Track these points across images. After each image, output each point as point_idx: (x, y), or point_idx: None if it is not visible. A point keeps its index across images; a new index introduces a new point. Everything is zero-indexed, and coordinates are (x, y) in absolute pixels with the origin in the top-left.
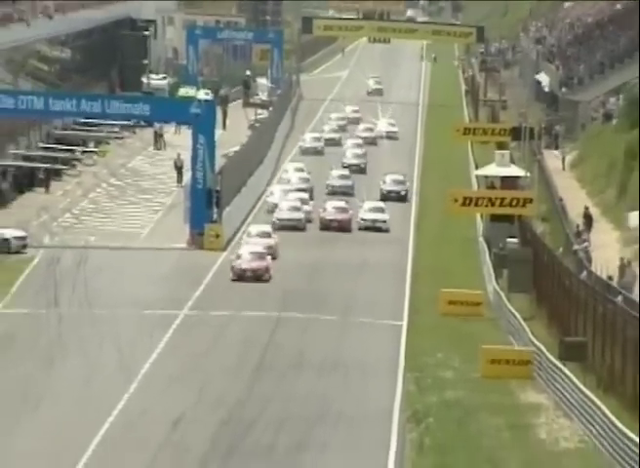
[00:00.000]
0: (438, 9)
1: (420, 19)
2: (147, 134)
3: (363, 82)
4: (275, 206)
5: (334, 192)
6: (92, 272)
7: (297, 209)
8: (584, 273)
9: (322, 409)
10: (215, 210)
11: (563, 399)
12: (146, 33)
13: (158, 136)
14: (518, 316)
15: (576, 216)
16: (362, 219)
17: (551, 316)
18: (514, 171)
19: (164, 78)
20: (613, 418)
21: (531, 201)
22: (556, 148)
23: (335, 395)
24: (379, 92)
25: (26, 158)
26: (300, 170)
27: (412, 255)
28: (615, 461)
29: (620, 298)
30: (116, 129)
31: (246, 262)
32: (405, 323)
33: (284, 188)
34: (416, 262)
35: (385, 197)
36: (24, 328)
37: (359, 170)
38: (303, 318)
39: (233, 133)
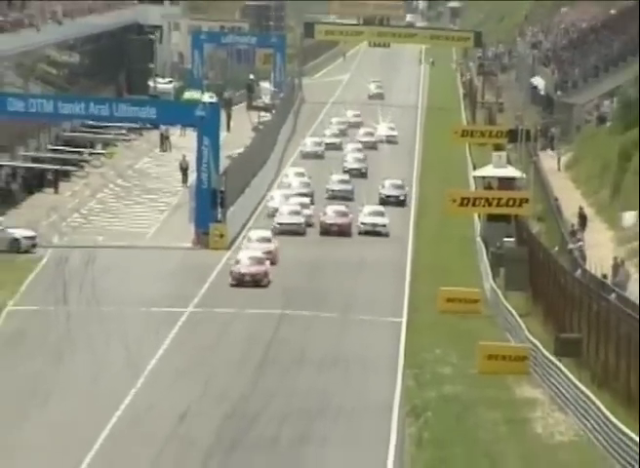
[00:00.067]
0: (437, 14)
1: (419, 23)
2: (154, 136)
3: (364, 85)
4: (276, 210)
5: (334, 197)
6: (99, 271)
7: (297, 213)
8: (579, 271)
9: (324, 403)
10: (219, 210)
11: (558, 394)
12: (153, 38)
13: (164, 139)
14: (514, 313)
15: (570, 216)
16: (362, 224)
17: (547, 313)
18: (511, 172)
19: (170, 82)
20: (607, 413)
21: (527, 201)
22: (552, 149)
23: (336, 390)
24: (380, 96)
25: (36, 160)
26: (301, 174)
27: (411, 254)
28: (608, 454)
29: (613, 296)
30: (123, 131)
31: (245, 267)
32: (404, 320)
33: (285, 193)
34: (415, 261)
35: (384, 202)
36: (34, 324)
37: (360, 174)
38: (305, 315)
39: (237, 135)
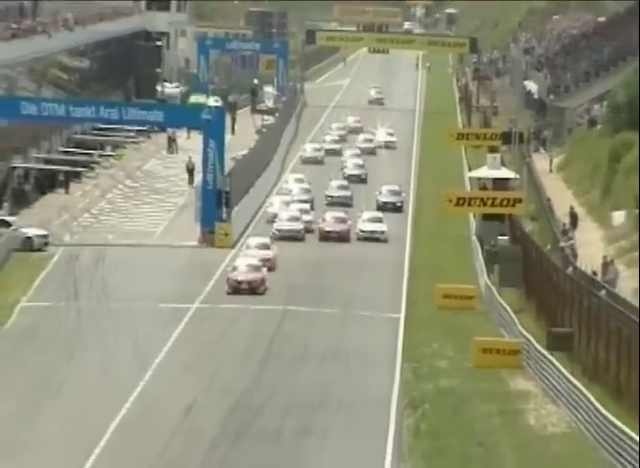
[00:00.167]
0: (434, 21)
1: (416, 30)
2: (161, 138)
3: (363, 90)
4: (275, 216)
5: (332, 203)
6: (109, 268)
7: (296, 219)
8: (570, 269)
9: (325, 396)
10: (224, 209)
11: (550, 386)
12: (160, 44)
13: (171, 141)
14: (508, 309)
15: (562, 216)
16: (360, 231)
17: (540, 309)
18: (505, 173)
19: (177, 86)
20: (597, 405)
21: (520, 201)
22: (545, 151)
23: (337, 383)
24: (379, 101)
25: (48, 161)
26: (301, 180)
27: (409, 253)
28: (599, 445)
29: (603, 292)
30: (132, 134)
31: (242, 274)
32: (403, 316)
33: (284, 199)
34: (412, 259)
35: (381, 208)
36: (46, 320)
37: (360, 180)
38: (307, 311)
39: (241, 137)
